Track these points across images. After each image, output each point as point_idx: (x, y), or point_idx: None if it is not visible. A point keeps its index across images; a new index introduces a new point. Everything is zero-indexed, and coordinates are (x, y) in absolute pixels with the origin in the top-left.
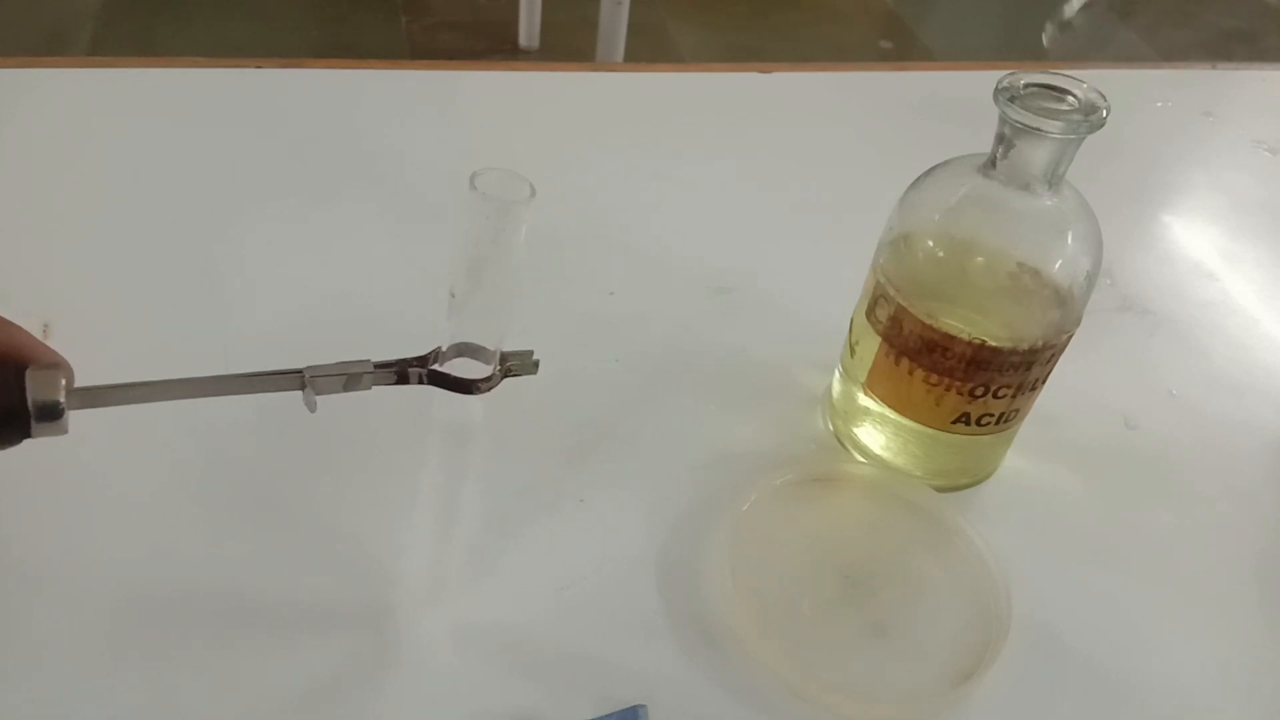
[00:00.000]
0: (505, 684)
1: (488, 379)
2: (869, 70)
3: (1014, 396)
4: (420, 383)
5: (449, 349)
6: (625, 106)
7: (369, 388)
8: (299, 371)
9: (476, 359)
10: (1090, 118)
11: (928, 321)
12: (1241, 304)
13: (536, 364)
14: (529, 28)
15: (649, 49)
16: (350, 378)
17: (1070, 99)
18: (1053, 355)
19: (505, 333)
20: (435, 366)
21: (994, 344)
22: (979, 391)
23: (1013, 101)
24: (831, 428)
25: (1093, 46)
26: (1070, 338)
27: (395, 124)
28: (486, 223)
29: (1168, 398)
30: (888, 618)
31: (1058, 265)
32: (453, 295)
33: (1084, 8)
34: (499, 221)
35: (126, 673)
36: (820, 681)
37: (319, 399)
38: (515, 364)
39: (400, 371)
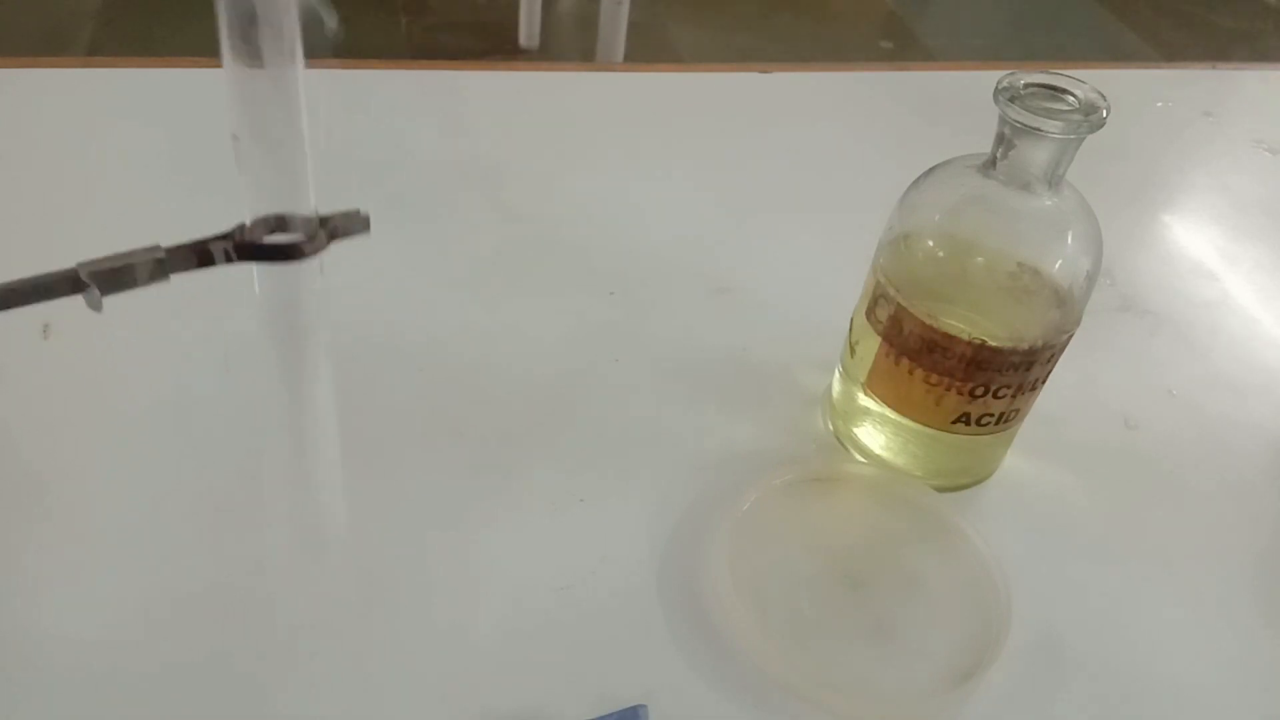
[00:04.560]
0: (505, 684)
1: (311, 240)
2: (869, 70)
3: (1014, 396)
4: (229, 260)
5: (254, 224)
6: (625, 106)
7: (167, 277)
8: (73, 270)
9: (290, 230)
10: (1090, 118)
11: (928, 321)
12: (1241, 304)
13: (367, 220)
14: (529, 28)
15: (649, 49)
16: (140, 267)
17: (1070, 99)
18: (1053, 355)
19: (313, 187)
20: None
21: (994, 344)
22: (979, 391)
23: (1013, 101)
24: (831, 428)
25: (1093, 46)
26: (1070, 338)
27: (395, 124)
28: (244, 37)
29: (1168, 398)
30: (888, 618)
31: (1058, 265)
32: (235, 139)
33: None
34: (259, 30)
35: None
36: (820, 681)
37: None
38: (340, 222)
39: (200, 251)
